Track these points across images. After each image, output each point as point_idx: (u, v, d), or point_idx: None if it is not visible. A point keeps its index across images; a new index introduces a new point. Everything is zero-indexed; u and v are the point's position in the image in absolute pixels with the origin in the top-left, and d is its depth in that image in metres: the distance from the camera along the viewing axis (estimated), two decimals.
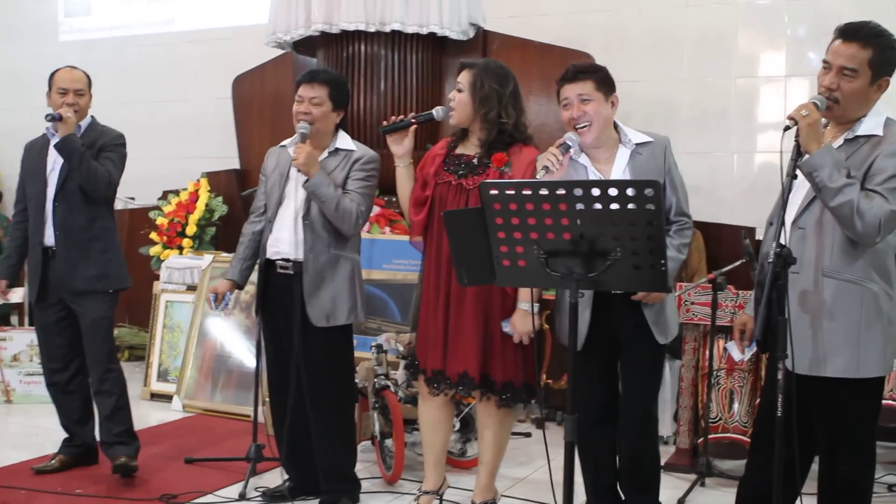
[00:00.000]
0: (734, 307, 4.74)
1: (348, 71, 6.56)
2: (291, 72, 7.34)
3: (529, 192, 2.92)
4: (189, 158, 8.34)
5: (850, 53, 3.06)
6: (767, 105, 7.00)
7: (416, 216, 3.97)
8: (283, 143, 4.33)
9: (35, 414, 5.88)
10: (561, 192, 2.87)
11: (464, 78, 3.92)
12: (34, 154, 4.74)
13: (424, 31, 6.50)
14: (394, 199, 6.42)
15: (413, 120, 3.96)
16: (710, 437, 4.70)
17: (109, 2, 9.51)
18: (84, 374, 4.76)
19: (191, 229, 7.19)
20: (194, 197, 7.35)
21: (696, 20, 7.11)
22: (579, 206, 2.84)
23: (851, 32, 3.08)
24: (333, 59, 6.67)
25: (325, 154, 4.15)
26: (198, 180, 7.50)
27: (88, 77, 4.73)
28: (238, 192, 7.32)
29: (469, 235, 3.07)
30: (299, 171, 4.03)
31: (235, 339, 6.23)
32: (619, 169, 3.60)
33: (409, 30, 6.46)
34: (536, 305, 3.80)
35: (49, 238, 4.61)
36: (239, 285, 4.36)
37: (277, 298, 4.17)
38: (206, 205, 7.28)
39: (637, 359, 3.66)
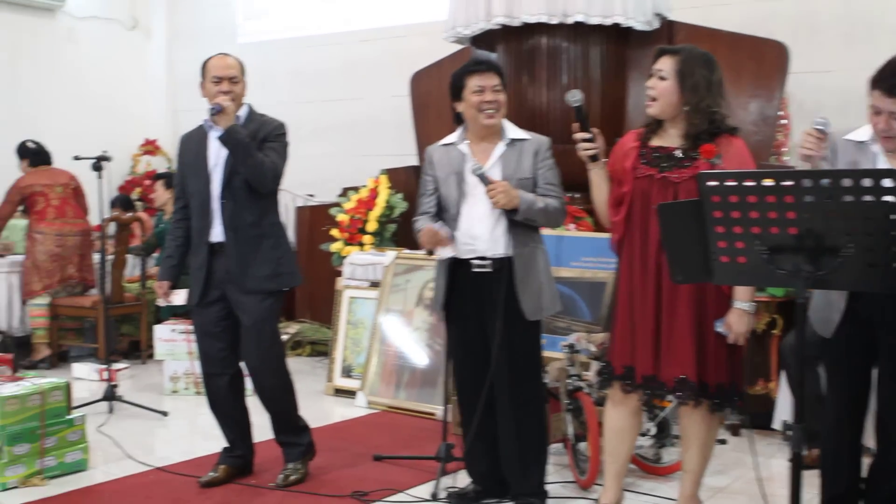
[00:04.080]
0: None
1: (529, 64, 6.46)
2: None
3: (752, 184, 2.76)
4: (366, 156, 8.45)
5: None
6: None
7: (617, 216, 3.73)
8: (443, 141, 4.19)
9: None
10: (787, 183, 2.71)
11: (666, 64, 3.64)
12: (192, 147, 4.45)
13: (608, 22, 6.30)
14: (577, 196, 6.30)
15: (590, 131, 3.73)
16: None
17: (286, 4, 9.75)
18: (240, 382, 4.61)
19: (371, 226, 7.21)
20: (374, 194, 7.37)
21: (894, 3, 6.69)
22: (808, 198, 2.68)
23: None
24: (514, 52, 6.56)
25: (503, 148, 4.05)
26: (377, 177, 7.52)
27: (241, 64, 4.47)
28: (417, 188, 7.31)
29: (684, 230, 2.94)
30: (498, 206, 3.93)
31: (419, 337, 6.19)
32: None
33: (593, 21, 6.27)
34: (754, 305, 3.58)
35: (217, 235, 4.36)
36: None
37: (470, 298, 4.07)
38: (387, 201, 7.29)
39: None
